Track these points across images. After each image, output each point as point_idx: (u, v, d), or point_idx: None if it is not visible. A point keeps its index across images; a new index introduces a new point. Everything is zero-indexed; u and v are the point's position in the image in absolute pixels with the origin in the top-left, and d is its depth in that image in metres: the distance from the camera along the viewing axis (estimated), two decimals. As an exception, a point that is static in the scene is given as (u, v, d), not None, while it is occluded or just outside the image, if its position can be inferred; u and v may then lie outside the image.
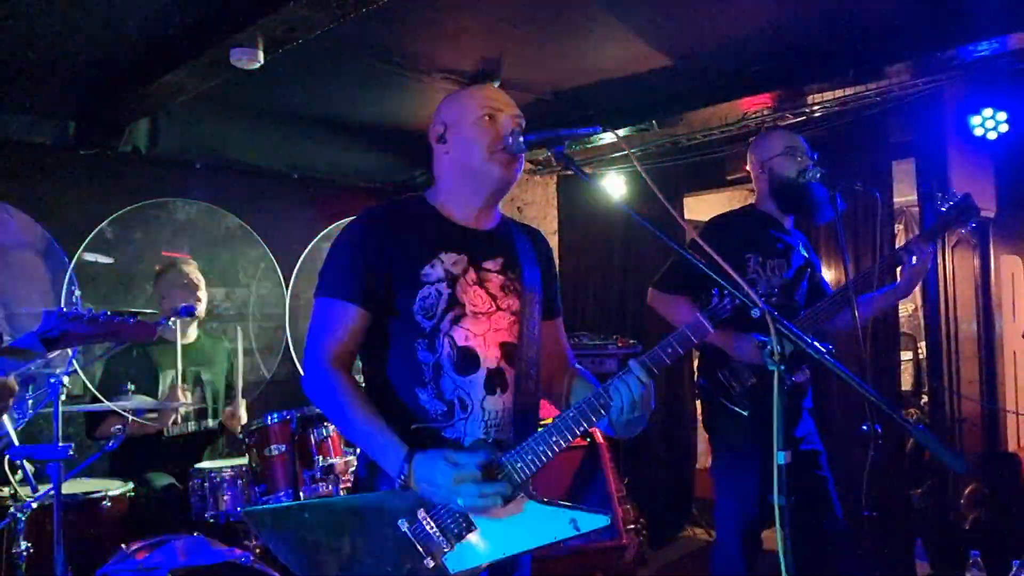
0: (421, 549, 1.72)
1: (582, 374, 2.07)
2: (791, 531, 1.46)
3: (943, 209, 3.09)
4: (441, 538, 1.73)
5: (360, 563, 1.73)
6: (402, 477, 1.70)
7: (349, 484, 3.42)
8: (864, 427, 2.84)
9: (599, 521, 1.78)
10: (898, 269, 3.07)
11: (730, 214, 3.27)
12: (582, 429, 1.78)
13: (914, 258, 3.00)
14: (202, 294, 3.94)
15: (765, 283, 3.05)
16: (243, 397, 3.94)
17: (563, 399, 2.04)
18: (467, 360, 1.85)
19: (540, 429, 1.80)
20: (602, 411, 1.78)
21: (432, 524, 1.73)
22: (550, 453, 1.75)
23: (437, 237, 1.90)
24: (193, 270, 3.99)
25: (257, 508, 1.88)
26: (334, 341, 1.83)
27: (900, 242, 6.00)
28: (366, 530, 1.75)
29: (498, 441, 1.81)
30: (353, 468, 3.49)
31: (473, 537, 1.74)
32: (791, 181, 3.11)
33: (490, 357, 1.87)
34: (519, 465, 1.75)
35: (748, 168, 3.30)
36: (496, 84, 1.99)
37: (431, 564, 1.72)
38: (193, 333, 4.01)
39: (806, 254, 3.23)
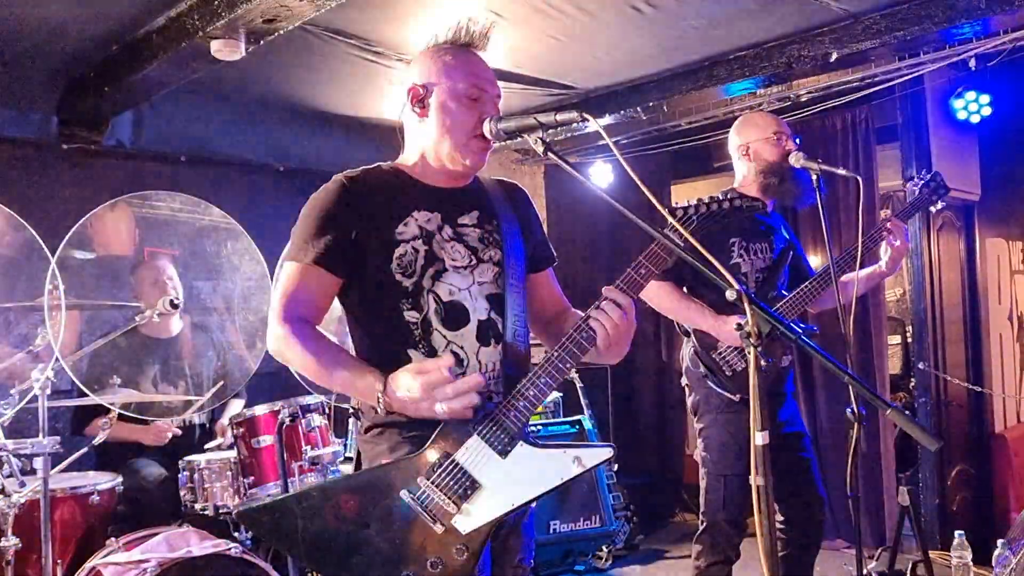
0: (428, 516, 1.70)
1: (574, 313, 2.05)
2: (773, 511, 1.47)
3: (915, 189, 3.14)
4: (447, 501, 1.70)
5: (369, 543, 1.71)
6: (382, 400, 1.70)
7: (338, 475, 3.43)
8: (848, 410, 2.86)
9: (603, 454, 1.76)
10: (882, 246, 3.09)
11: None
12: (571, 365, 1.75)
13: (893, 237, 3.03)
14: (175, 291, 3.90)
15: (749, 267, 3.07)
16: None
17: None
18: (456, 313, 1.84)
19: (541, 362, 1.77)
20: (587, 344, 1.75)
21: (435, 489, 1.71)
22: (542, 396, 1.74)
23: (409, 198, 1.88)
24: (166, 265, 3.95)
25: (250, 507, 1.85)
26: (294, 300, 1.82)
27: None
28: (368, 508, 1.72)
29: (490, 393, 1.80)
30: (342, 458, 3.50)
31: (479, 494, 1.71)
32: (775, 165, 3.12)
33: (479, 308, 1.86)
34: (512, 414, 1.73)
35: (730, 150, 3.30)
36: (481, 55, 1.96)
37: (441, 529, 1.70)
38: (176, 326, 4.00)
39: (788, 236, 3.24)
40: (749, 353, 1.40)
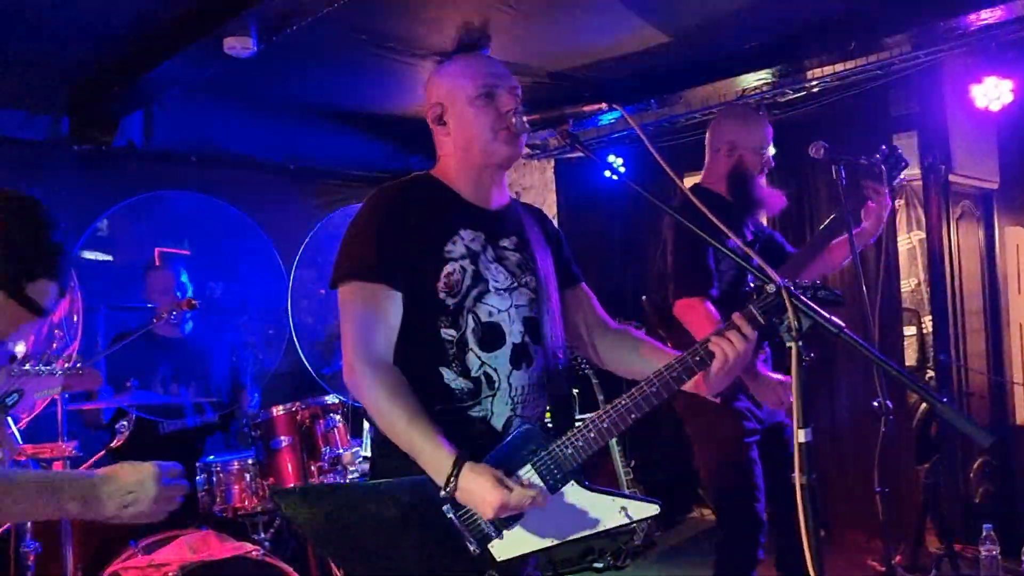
0: (467, 535, 1.69)
1: (639, 336, 2.06)
2: (814, 510, 1.43)
3: (871, 163, 3.05)
4: (489, 526, 1.68)
5: (401, 549, 1.70)
6: (450, 486, 1.64)
7: (357, 475, 3.40)
8: (875, 403, 2.82)
9: (650, 509, 1.75)
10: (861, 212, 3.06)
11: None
12: (665, 396, 1.69)
13: (871, 200, 3.00)
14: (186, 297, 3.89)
15: (726, 266, 2.95)
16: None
17: (632, 364, 2.01)
18: (492, 335, 1.82)
19: (608, 406, 1.72)
20: (695, 369, 1.70)
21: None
22: (605, 438, 1.70)
23: (454, 214, 1.87)
24: (179, 272, 3.93)
25: (287, 488, 1.83)
26: (370, 331, 1.75)
27: (901, 219, 5.99)
28: (407, 514, 1.70)
29: (524, 419, 1.79)
30: (361, 459, 3.47)
31: (520, 524, 1.69)
32: (750, 176, 3.03)
33: (515, 331, 1.84)
34: (569, 451, 1.70)
35: (710, 137, 3.16)
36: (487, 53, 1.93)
37: (476, 551, 1.69)
38: (187, 327, 3.98)
39: (754, 229, 3.14)
40: (791, 347, 1.37)
